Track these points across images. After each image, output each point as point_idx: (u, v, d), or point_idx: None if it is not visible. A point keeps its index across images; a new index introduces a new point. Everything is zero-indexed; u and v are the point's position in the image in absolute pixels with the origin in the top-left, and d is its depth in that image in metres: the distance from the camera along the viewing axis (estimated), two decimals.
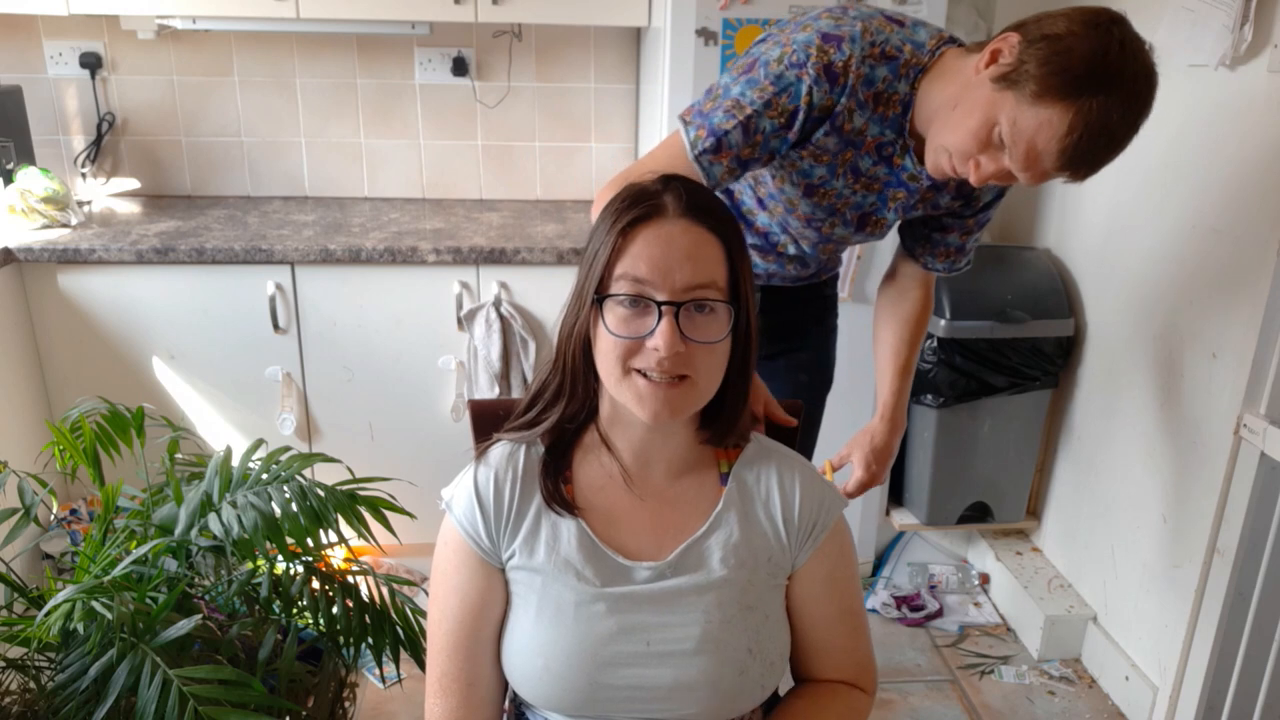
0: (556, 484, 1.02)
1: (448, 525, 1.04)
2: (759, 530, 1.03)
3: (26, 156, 2.41)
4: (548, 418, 1.02)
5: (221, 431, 2.33)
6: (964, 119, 1.19)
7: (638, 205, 0.94)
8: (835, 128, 1.30)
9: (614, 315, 0.93)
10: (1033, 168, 1.17)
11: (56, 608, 1.18)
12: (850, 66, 1.25)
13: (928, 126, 1.29)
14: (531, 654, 0.99)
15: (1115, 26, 1.10)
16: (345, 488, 1.46)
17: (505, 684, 1.06)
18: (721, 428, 1.03)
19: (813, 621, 1.06)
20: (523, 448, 1.04)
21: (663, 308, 0.91)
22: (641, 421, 0.97)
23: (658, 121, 2.24)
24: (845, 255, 2.21)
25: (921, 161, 1.33)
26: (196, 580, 1.42)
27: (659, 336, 0.91)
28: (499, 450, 1.04)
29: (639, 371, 0.93)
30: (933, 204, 1.45)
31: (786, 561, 1.04)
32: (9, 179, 2.31)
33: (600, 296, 0.94)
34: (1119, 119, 1.11)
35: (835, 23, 1.27)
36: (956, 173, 1.24)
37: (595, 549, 1.00)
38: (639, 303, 0.92)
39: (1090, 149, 1.13)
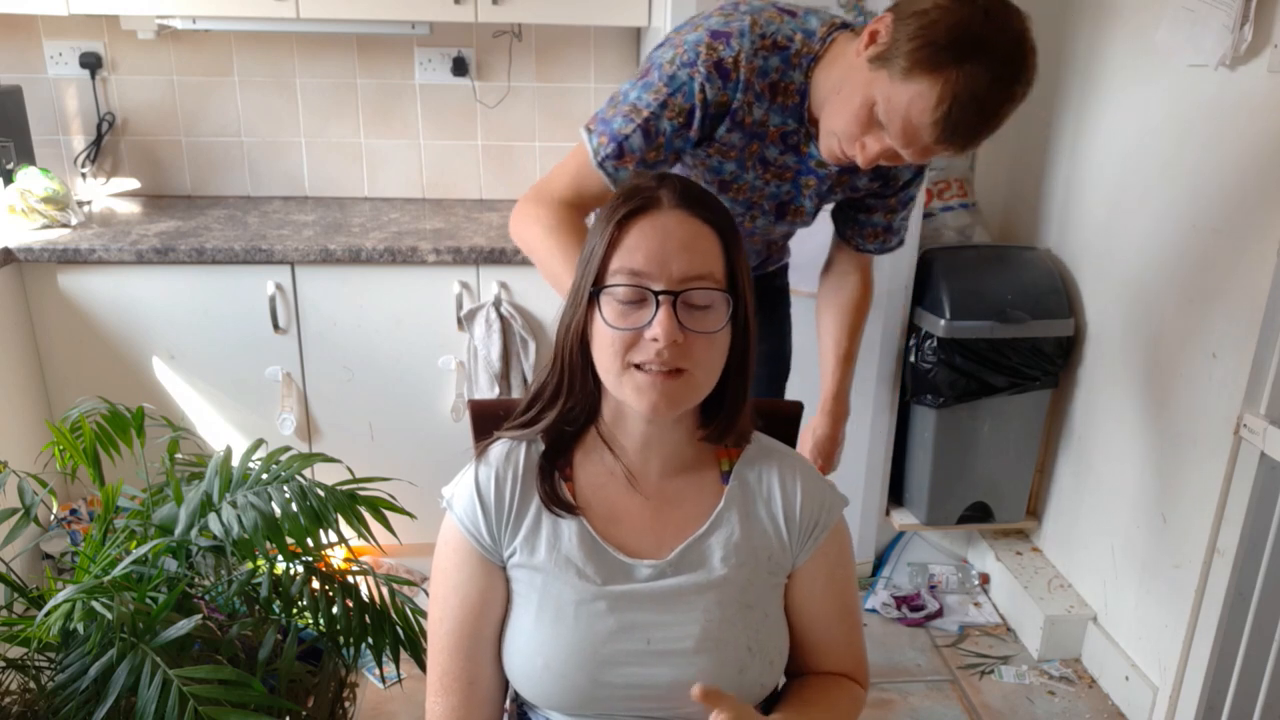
0: (554, 485, 1.02)
1: (448, 524, 1.04)
2: (760, 529, 1.03)
3: (26, 156, 2.41)
4: (547, 416, 1.02)
5: (221, 431, 2.33)
6: (846, 102, 1.21)
7: (633, 199, 0.95)
8: (736, 123, 1.33)
9: (611, 308, 0.93)
10: (913, 143, 1.18)
11: (56, 608, 1.18)
12: (740, 61, 1.27)
13: (819, 110, 1.30)
14: (532, 653, 0.99)
15: None
16: (345, 488, 1.46)
17: (506, 683, 1.06)
18: (722, 425, 1.03)
19: (811, 619, 1.07)
20: (523, 445, 1.04)
21: (660, 298, 0.91)
22: (642, 416, 0.97)
23: None
24: None
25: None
26: (196, 580, 1.43)
27: (657, 326, 0.91)
28: (499, 448, 1.04)
29: (637, 366, 0.93)
30: (851, 186, 1.47)
31: (787, 561, 1.04)
32: (9, 179, 2.31)
33: (597, 289, 0.94)
34: (987, 87, 1.11)
35: (725, 19, 1.29)
36: (847, 155, 1.26)
37: (596, 547, 1.00)
38: (636, 295, 0.92)
39: (963, 119, 1.13)
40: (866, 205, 1.53)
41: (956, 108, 1.12)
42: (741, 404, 1.02)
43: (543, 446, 1.04)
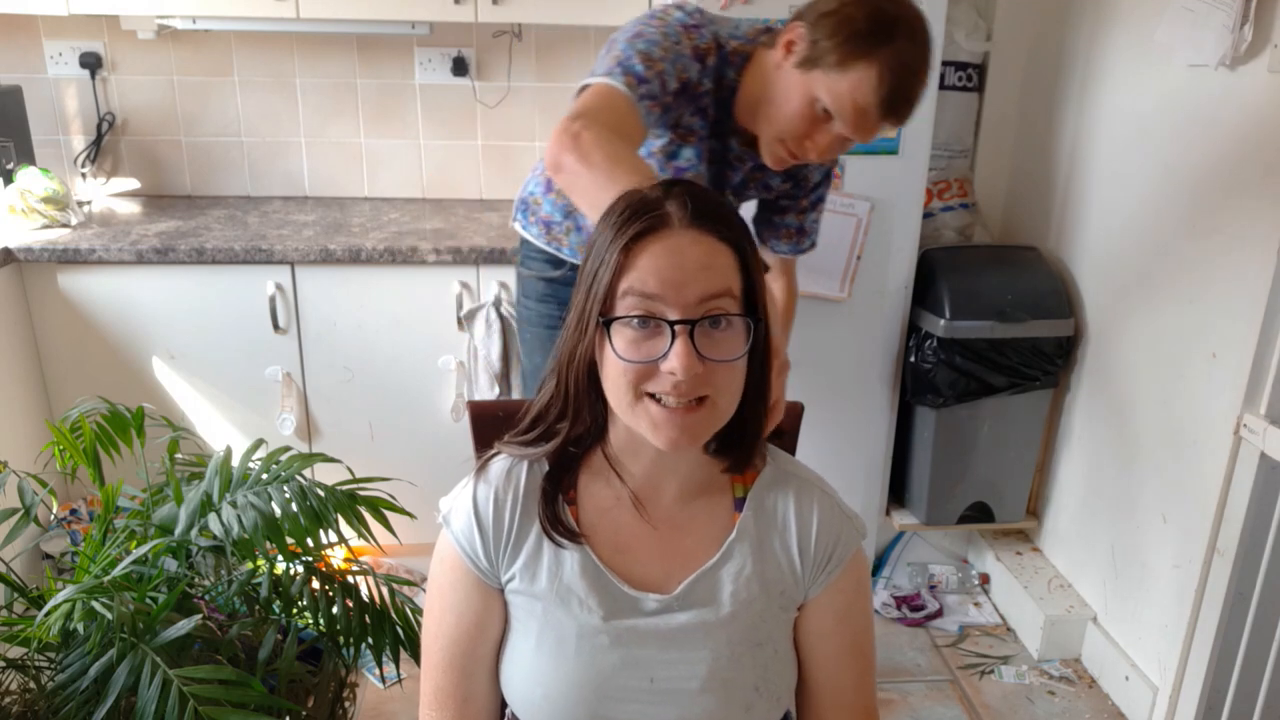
0: (556, 511, 0.96)
1: (444, 541, 0.99)
2: (773, 562, 0.98)
3: (26, 156, 2.41)
4: (550, 439, 0.96)
5: (221, 431, 2.33)
6: (784, 107, 1.32)
7: (640, 218, 0.86)
8: (700, 109, 1.42)
9: (622, 338, 0.86)
10: (862, 124, 1.29)
11: (56, 608, 1.18)
12: (710, 51, 1.38)
13: (748, 118, 1.41)
14: (531, 683, 0.95)
15: None
16: (345, 488, 1.46)
17: (501, 698, 1.02)
18: (741, 454, 0.97)
19: (821, 658, 1.01)
20: (524, 464, 0.98)
21: (676, 327, 0.84)
22: (657, 449, 0.91)
23: None
24: (846, 254, 2.21)
25: (744, 144, 1.46)
26: (196, 580, 1.42)
27: (674, 359, 0.83)
28: (499, 465, 0.99)
29: (651, 396, 0.87)
30: (763, 185, 1.56)
31: (799, 593, 0.99)
32: (9, 179, 2.31)
33: (607, 319, 0.86)
34: (915, 57, 1.27)
35: (685, 14, 1.39)
36: (796, 157, 1.37)
37: (600, 577, 0.95)
38: (649, 323, 0.85)
39: (903, 90, 1.27)
40: (780, 207, 1.63)
41: (896, 82, 1.25)
42: (759, 430, 0.95)
43: (546, 466, 0.98)
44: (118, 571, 1.28)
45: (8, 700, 1.33)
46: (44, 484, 1.48)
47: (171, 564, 1.36)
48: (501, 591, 0.98)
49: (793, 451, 1.20)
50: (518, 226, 1.72)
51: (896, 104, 1.28)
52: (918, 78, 1.28)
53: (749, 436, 0.95)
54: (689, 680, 0.94)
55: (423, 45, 2.60)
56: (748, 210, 1.70)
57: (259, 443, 1.55)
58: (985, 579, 2.58)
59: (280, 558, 1.47)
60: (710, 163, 1.50)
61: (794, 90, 1.30)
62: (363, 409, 2.35)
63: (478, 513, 0.96)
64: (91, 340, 2.22)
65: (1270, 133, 1.69)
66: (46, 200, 2.27)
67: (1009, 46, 2.50)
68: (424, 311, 2.28)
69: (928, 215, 2.47)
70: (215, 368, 2.27)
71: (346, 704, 1.58)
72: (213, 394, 2.30)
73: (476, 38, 2.60)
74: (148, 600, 1.30)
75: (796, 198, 1.61)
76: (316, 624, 1.46)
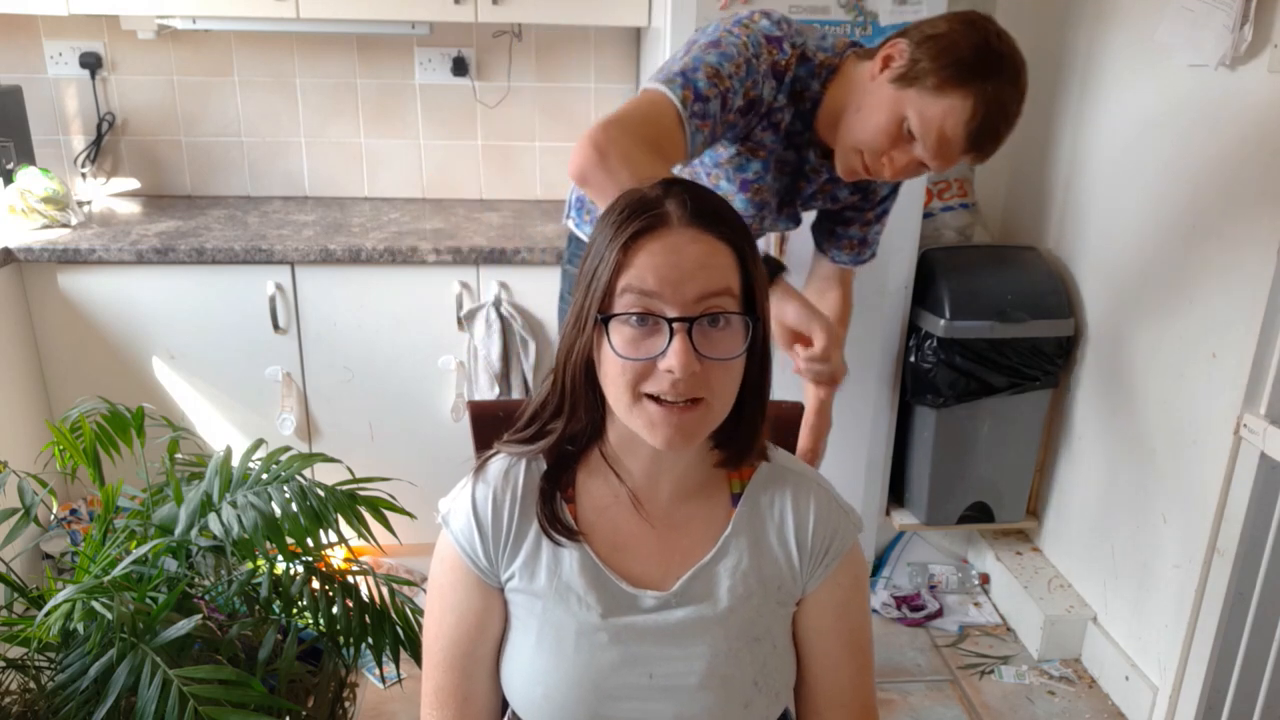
0: (555, 510, 0.96)
1: (444, 541, 0.99)
2: (770, 557, 0.98)
3: (26, 156, 2.41)
4: (548, 435, 0.96)
5: (221, 431, 2.33)
6: (870, 119, 1.30)
7: (639, 217, 0.86)
8: (772, 124, 1.39)
9: (621, 335, 0.86)
10: (944, 153, 1.28)
11: (56, 608, 1.18)
12: (789, 66, 1.35)
13: (828, 130, 1.39)
14: (531, 681, 0.96)
15: (988, 22, 1.27)
16: (345, 488, 1.46)
17: (502, 697, 1.02)
18: (738, 451, 0.97)
19: (820, 655, 1.01)
20: (523, 463, 0.99)
21: (674, 325, 0.84)
22: (652, 445, 0.91)
23: None
24: None
25: (822, 157, 1.44)
26: (196, 580, 1.43)
27: (672, 356, 0.83)
28: (498, 465, 0.99)
29: (650, 396, 0.87)
30: (831, 197, 1.54)
31: (796, 588, 0.99)
32: (9, 179, 2.31)
33: (605, 316, 0.86)
34: (1010, 98, 1.26)
35: (773, 24, 1.36)
36: (869, 171, 1.35)
37: (599, 575, 0.96)
38: (648, 320, 0.85)
39: (992, 128, 1.26)
40: (845, 218, 1.60)
41: (988, 117, 1.24)
42: (758, 428, 0.95)
43: (544, 465, 0.98)
44: (118, 571, 1.28)
45: (8, 700, 1.33)
46: (44, 484, 1.48)
47: (171, 564, 1.36)
48: (501, 591, 0.98)
49: (793, 451, 1.20)
50: (570, 224, 1.69)
51: (983, 140, 1.27)
52: (1008, 120, 1.27)
53: (748, 434, 0.95)
54: (688, 676, 0.94)
55: (423, 45, 2.60)
56: (806, 219, 1.67)
57: (259, 443, 1.55)
58: (985, 579, 2.58)
59: (280, 558, 1.47)
60: (782, 174, 1.48)
61: (884, 105, 1.29)
62: (363, 409, 2.35)
63: (476, 512, 0.97)
64: (91, 340, 2.22)
65: (1270, 133, 1.69)
66: (46, 200, 2.27)
67: None
68: (424, 311, 2.28)
69: (928, 215, 2.47)
70: (215, 368, 2.27)
71: (346, 704, 1.58)
72: (213, 394, 2.30)
73: (476, 38, 2.60)
74: (148, 600, 1.30)
75: (862, 210, 1.59)
76: (316, 624, 1.46)
